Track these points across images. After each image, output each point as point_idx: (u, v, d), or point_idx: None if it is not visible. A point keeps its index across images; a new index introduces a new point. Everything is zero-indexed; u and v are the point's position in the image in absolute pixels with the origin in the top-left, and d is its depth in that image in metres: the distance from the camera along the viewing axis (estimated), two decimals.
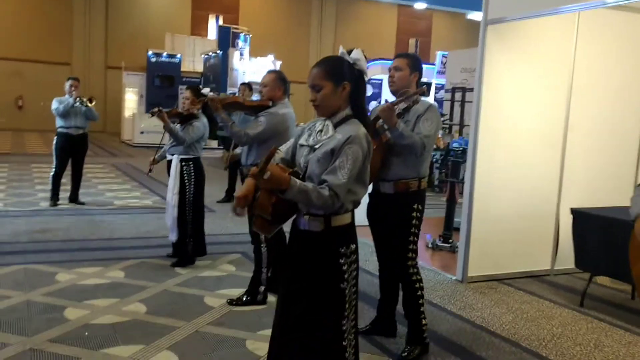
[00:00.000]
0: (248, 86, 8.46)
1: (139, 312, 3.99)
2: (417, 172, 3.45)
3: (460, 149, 6.42)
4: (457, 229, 5.64)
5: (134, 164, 13.27)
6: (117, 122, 22.44)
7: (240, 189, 2.41)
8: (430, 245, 6.28)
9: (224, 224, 7.02)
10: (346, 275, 2.34)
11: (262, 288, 4.27)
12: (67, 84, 7.62)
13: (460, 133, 10.77)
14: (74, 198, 7.86)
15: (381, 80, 18.36)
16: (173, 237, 5.25)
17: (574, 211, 4.66)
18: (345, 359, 2.35)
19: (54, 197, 7.63)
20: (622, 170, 5.68)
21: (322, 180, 2.26)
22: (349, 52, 2.36)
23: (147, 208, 7.88)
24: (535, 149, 5.38)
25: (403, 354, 3.47)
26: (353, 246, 2.38)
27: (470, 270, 5.18)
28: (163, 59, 20.32)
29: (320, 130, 2.38)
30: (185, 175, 5.17)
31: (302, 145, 2.44)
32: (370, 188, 3.54)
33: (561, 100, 5.40)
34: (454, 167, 6.39)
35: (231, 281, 4.80)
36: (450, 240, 6.24)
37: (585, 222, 4.54)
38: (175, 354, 3.35)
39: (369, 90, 18.77)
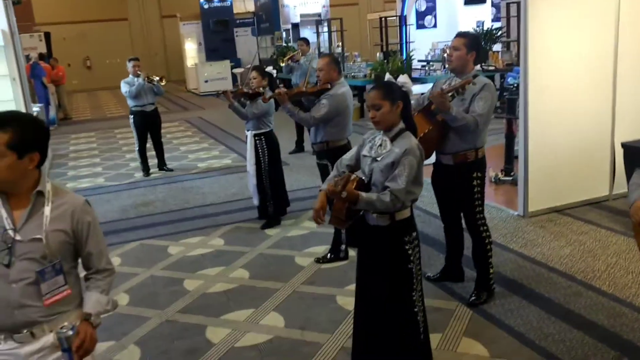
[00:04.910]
0: (305, 41, 8.82)
1: (244, 278, 4.77)
2: (474, 144, 3.84)
3: (515, 84, 6.64)
4: (517, 157, 5.95)
5: (205, 117, 14.09)
6: (179, 70, 23.31)
7: (315, 202, 2.96)
8: (493, 180, 6.68)
9: (299, 177, 7.67)
10: (412, 258, 2.92)
11: (343, 246, 4.92)
12: (130, 65, 8.13)
13: (518, 50, 10.72)
14: (161, 166, 8.75)
15: None
16: (256, 201, 5.98)
17: (624, 145, 4.94)
18: (417, 321, 2.97)
19: (145, 169, 8.52)
20: None
21: (385, 186, 2.80)
22: (395, 78, 2.82)
23: (228, 168, 8.66)
24: (586, 81, 5.58)
25: (472, 298, 4.04)
26: (414, 234, 2.94)
27: (531, 205, 5.61)
28: (215, 4, 20.66)
29: (380, 145, 2.89)
30: (259, 148, 5.79)
31: (364, 156, 2.97)
32: (433, 158, 4.03)
33: (609, 32, 5.52)
34: (510, 103, 6.65)
35: (315, 238, 5.49)
36: (512, 173, 6.62)
37: (636, 155, 4.83)
38: (280, 314, 4.10)
39: (423, 5, 18.46)
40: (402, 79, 2.81)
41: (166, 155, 8.95)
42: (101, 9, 25.69)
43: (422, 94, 4.13)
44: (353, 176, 2.85)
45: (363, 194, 2.75)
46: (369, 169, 2.92)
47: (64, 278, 2.14)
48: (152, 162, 8.74)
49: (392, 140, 2.87)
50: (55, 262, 2.11)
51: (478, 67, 10.10)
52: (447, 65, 3.83)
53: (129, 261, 5.32)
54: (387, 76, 2.90)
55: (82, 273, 2.31)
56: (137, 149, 8.53)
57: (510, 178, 6.60)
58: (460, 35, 3.91)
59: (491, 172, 6.73)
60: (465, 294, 4.15)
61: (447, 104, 3.62)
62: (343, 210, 2.89)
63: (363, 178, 2.93)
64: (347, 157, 3.11)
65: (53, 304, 2.12)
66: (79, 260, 2.27)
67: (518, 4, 11.12)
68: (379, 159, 2.87)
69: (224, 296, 4.47)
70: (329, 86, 4.66)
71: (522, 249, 4.87)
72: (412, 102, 3.79)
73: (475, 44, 3.85)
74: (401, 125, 2.88)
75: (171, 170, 8.71)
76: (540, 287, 4.18)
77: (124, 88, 8.10)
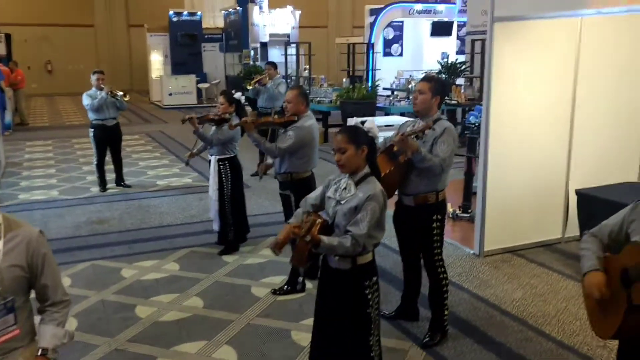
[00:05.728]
0: (273, 65, 8.83)
1: (198, 307, 4.68)
2: (434, 186, 3.90)
3: (477, 124, 6.79)
4: (475, 193, 6.07)
5: (167, 132, 13.90)
6: (144, 81, 23.03)
7: (280, 233, 2.94)
8: (450, 216, 6.79)
9: (260, 202, 7.63)
10: (371, 302, 2.93)
11: (300, 278, 4.90)
12: (94, 78, 7.95)
13: (481, 86, 11.00)
14: (119, 181, 8.57)
15: (402, 22, 18.39)
16: (216, 226, 5.90)
17: (579, 193, 5.10)
18: None
19: (102, 184, 8.33)
20: (628, 144, 6.07)
21: (347, 230, 2.81)
22: (362, 123, 2.85)
23: (188, 187, 8.54)
24: (545, 126, 5.75)
25: (426, 340, 4.06)
26: (375, 278, 2.95)
27: (487, 244, 5.70)
28: (184, 17, 20.55)
29: (345, 188, 2.91)
30: (222, 173, 5.74)
31: (329, 198, 2.98)
32: (395, 197, 4.06)
33: (568, 81, 5.73)
34: (470, 142, 6.80)
35: (273, 267, 5.44)
36: (470, 210, 6.74)
37: (589, 203, 4.98)
38: (233, 348, 4.03)
39: (390, 34, 18.81)
40: (368, 124, 2.85)
41: (124, 170, 8.78)
42: (67, 13, 25.23)
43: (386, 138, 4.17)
44: (318, 220, 2.85)
45: (325, 239, 2.75)
46: (333, 211, 2.93)
47: (14, 317, 2.06)
48: (110, 176, 8.56)
49: (357, 184, 2.89)
50: (8, 300, 2.03)
51: None
52: (410, 97, 3.88)
53: (79, 283, 5.16)
54: (354, 120, 2.91)
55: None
56: (96, 163, 8.34)
57: (468, 215, 6.72)
58: (426, 79, 3.99)
59: (449, 208, 6.82)
60: (420, 334, 4.17)
61: (415, 145, 3.66)
62: (305, 252, 2.88)
63: (327, 219, 2.94)
64: (313, 196, 3.11)
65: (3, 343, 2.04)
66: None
67: (483, 41, 11.43)
68: (342, 202, 2.89)
69: (176, 326, 4.38)
70: (296, 118, 4.68)
71: (477, 290, 4.94)
72: (379, 142, 3.83)
73: (440, 88, 3.92)
74: (366, 169, 2.90)
75: (129, 186, 8.54)
76: (493, 331, 4.24)
77: (86, 101, 7.92)
